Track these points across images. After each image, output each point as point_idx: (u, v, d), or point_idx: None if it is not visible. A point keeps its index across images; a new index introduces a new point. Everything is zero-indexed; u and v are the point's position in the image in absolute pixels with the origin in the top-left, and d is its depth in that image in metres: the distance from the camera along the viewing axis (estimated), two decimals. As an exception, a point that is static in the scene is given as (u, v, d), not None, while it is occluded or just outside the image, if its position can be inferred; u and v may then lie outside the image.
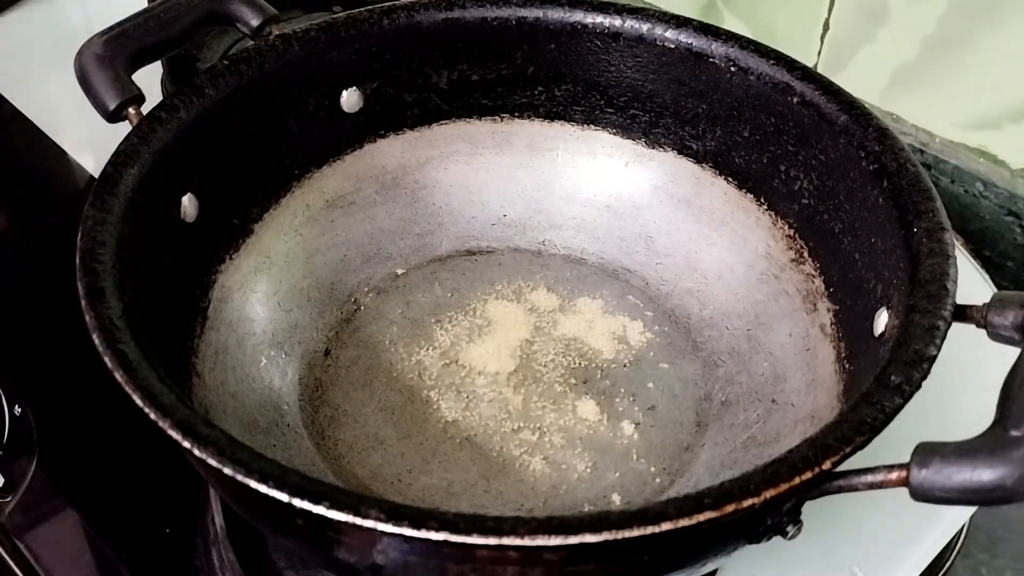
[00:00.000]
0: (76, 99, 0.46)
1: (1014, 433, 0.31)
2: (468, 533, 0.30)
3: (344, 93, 0.52)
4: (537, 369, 0.50)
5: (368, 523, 0.30)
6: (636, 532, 0.30)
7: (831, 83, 0.47)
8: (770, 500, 0.31)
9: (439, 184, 0.56)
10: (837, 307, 0.46)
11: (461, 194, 0.56)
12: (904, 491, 0.32)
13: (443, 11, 0.51)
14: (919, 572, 0.47)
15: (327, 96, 0.52)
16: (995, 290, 0.56)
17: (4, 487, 0.51)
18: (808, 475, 0.32)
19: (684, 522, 0.30)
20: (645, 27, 0.51)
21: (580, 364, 0.50)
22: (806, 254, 0.49)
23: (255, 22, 0.49)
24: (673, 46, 0.50)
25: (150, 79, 0.52)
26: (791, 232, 0.50)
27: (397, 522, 0.30)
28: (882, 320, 0.41)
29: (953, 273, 0.38)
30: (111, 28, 0.46)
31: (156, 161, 0.43)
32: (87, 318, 0.36)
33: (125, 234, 0.40)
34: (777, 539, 0.36)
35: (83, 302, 0.37)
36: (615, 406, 0.48)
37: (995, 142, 0.61)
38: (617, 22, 0.51)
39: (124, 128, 0.44)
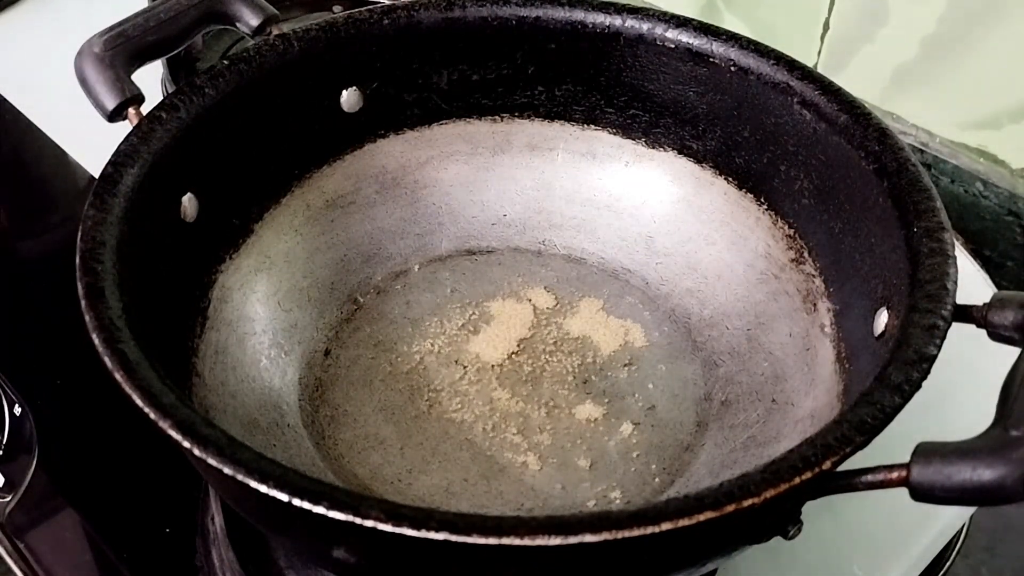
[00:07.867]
0: (76, 99, 0.46)
1: (1014, 433, 0.31)
2: (468, 533, 0.30)
3: (344, 93, 0.52)
4: (537, 369, 0.50)
5: (368, 523, 0.30)
6: (636, 532, 0.30)
7: (831, 83, 0.47)
8: (770, 500, 0.31)
9: (439, 184, 0.56)
10: (837, 307, 0.46)
11: (461, 194, 0.56)
12: (904, 491, 0.32)
13: (443, 11, 0.51)
14: (919, 572, 0.47)
15: (327, 96, 0.52)
16: (995, 290, 0.56)
17: (4, 487, 0.51)
18: (808, 475, 0.32)
19: (684, 522, 0.31)
20: (645, 27, 0.51)
21: (580, 364, 0.50)
22: (806, 254, 0.49)
23: (255, 22, 0.49)
24: (673, 46, 0.50)
25: (150, 79, 0.52)
26: (791, 232, 0.50)
27: (397, 522, 0.30)
28: (882, 320, 0.41)
29: (953, 273, 0.38)
30: (111, 28, 0.46)
31: (156, 161, 0.43)
32: (87, 318, 0.36)
33: (125, 234, 0.40)
34: (777, 539, 0.36)
35: (83, 302, 0.37)
36: (615, 406, 0.48)
37: (995, 142, 0.61)
38: (617, 22, 0.51)
39: (124, 128, 0.44)
